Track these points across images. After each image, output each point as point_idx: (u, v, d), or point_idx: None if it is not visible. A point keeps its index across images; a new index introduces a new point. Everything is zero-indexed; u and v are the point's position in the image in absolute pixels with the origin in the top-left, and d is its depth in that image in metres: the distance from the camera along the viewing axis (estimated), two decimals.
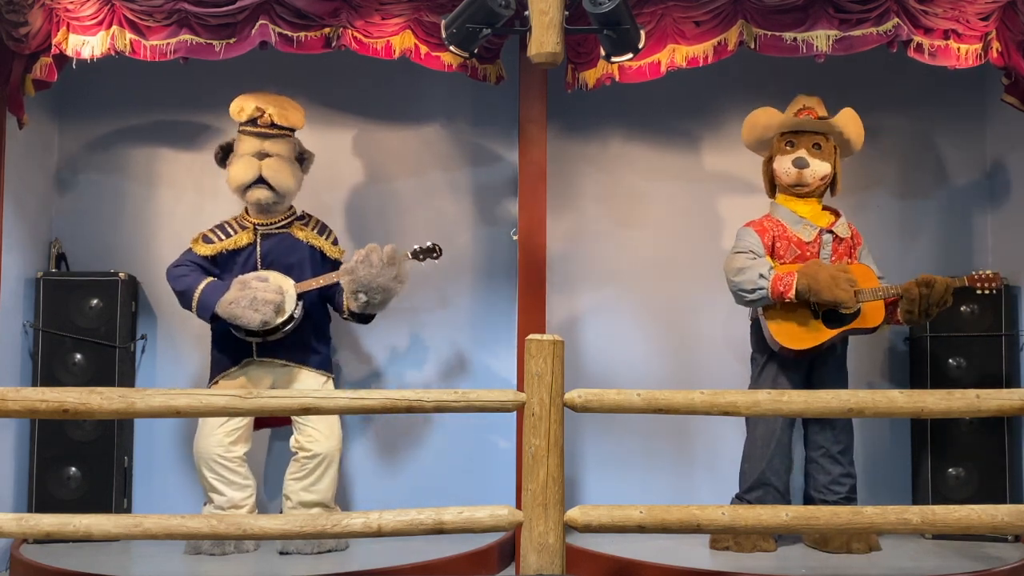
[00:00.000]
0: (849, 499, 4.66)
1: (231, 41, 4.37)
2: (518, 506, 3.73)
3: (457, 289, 5.39)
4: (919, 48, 4.32)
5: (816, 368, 4.68)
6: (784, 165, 4.67)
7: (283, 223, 4.82)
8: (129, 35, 4.39)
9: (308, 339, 4.74)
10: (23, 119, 4.68)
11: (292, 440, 4.74)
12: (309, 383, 4.72)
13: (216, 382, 4.75)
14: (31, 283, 5.04)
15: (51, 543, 4.61)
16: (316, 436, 4.66)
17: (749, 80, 5.28)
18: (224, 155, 4.84)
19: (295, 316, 4.62)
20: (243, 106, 4.73)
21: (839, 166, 4.75)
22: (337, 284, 4.66)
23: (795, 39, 4.29)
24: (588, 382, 4.94)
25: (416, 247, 4.75)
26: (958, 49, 4.36)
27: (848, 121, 4.70)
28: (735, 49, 4.39)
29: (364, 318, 4.77)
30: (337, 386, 4.98)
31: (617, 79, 4.53)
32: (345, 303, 4.68)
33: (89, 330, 4.96)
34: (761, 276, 4.47)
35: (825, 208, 4.76)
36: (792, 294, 4.43)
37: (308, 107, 5.28)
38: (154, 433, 5.25)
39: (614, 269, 5.42)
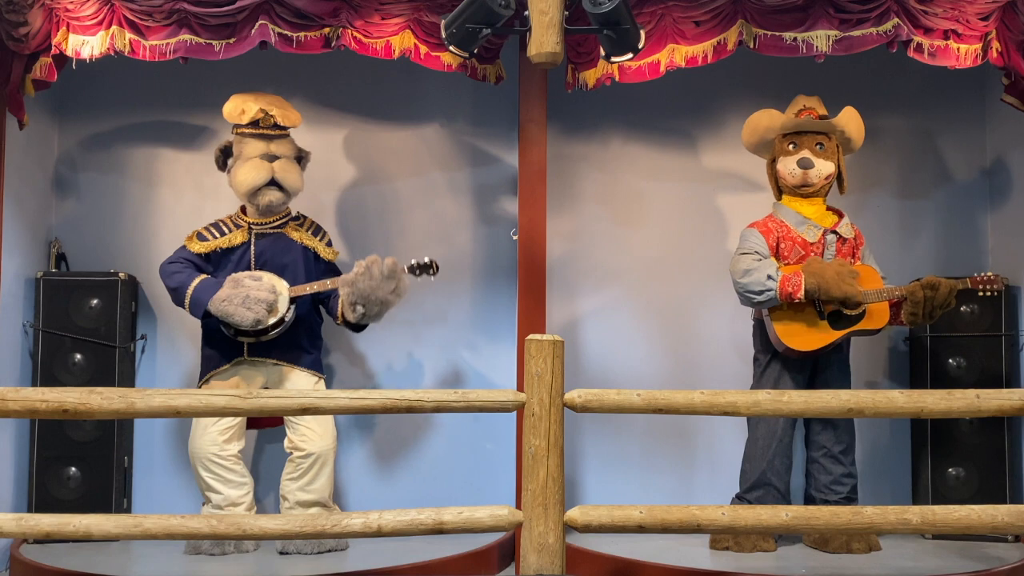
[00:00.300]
0: (850, 499, 4.66)
1: (231, 41, 4.37)
2: (518, 506, 3.74)
3: (457, 289, 5.39)
4: (919, 48, 4.32)
5: (820, 369, 4.68)
6: (789, 166, 4.67)
7: (278, 223, 4.82)
8: (129, 35, 4.39)
9: (300, 340, 4.74)
10: (23, 119, 4.68)
11: (286, 440, 4.74)
12: (300, 383, 4.72)
13: (207, 380, 4.74)
14: (31, 283, 5.05)
15: (51, 543, 4.62)
16: (310, 436, 4.67)
17: (749, 80, 5.28)
18: (225, 158, 4.83)
19: (286, 319, 4.61)
20: (244, 108, 4.71)
21: (843, 164, 4.75)
22: (333, 290, 4.67)
23: (795, 39, 4.29)
24: (588, 382, 4.96)
25: (413, 262, 4.74)
26: (958, 49, 4.36)
27: (850, 119, 4.70)
28: (735, 49, 4.39)
29: (358, 327, 4.78)
30: (330, 387, 4.98)
31: (617, 79, 4.53)
32: (340, 311, 4.69)
33: (89, 330, 4.96)
34: (769, 277, 4.47)
35: (829, 208, 4.76)
36: (801, 294, 4.42)
37: (308, 107, 5.30)
38: (154, 433, 5.25)
39: (614, 269, 5.42)
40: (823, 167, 4.65)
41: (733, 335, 5.21)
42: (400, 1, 4.39)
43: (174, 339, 5.32)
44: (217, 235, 4.80)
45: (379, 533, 3.47)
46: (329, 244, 4.89)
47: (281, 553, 4.58)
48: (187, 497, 5.13)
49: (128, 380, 5.09)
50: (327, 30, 4.39)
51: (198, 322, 4.75)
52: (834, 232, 4.67)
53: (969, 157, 5.40)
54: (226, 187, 4.87)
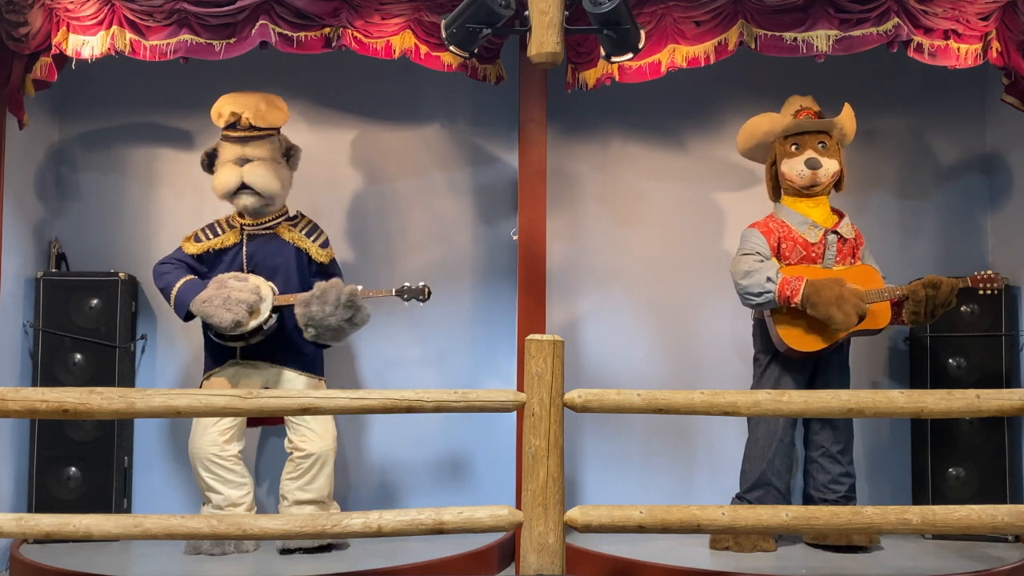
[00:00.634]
0: (848, 498, 4.66)
1: (231, 41, 4.37)
2: (518, 506, 3.74)
3: (457, 289, 5.39)
4: (919, 48, 4.32)
5: (820, 368, 4.68)
6: (796, 167, 4.66)
7: (270, 224, 4.81)
8: (129, 35, 4.39)
9: (292, 341, 4.71)
10: (23, 119, 4.68)
11: (286, 440, 4.74)
12: (297, 385, 4.71)
13: (208, 378, 4.75)
14: (31, 283, 5.05)
15: (51, 543, 4.62)
16: (310, 436, 4.67)
17: (749, 80, 5.28)
18: (211, 162, 4.82)
19: (264, 328, 4.58)
20: (220, 111, 4.71)
21: (843, 161, 4.75)
22: None
23: (795, 39, 4.29)
24: (588, 382, 4.95)
25: (406, 284, 4.69)
26: (958, 49, 4.36)
27: (848, 116, 4.72)
28: (735, 49, 4.39)
29: (319, 344, 4.73)
30: (330, 387, 4.97)
31: (617, 79, 4.53)
32: None
33: (89, 330, 4.96)
34: (769, 280, 4.47)
35: (832, 209, 4.76)
36: (798, 299, 4.42)
37: (308, 107, 5.30)
38: (154, 433, 5.25)
39: (614, 269, 5.42)
40: (829, 165, 4.65)
41: (733, 335, 5.21)
42: (400, 1, 4.39)
43: (174, 339, 5.32)
44: (211, 236, 4.81)
45: (379, 533, 3.47)
46: (325, 245, 4.83)
47: (283, 551, 4.58)
48: (187, 497, 5.14)
49: (128, 380, 5.09)
50: (327, 30, 4.39)
51: (198, 322, 4.74)
52: (835, 232, 4.67)
53: (969, 157, 5.40)
54: None
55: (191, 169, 5.36)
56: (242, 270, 4.72)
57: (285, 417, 4.72)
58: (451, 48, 4.04)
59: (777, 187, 4.80)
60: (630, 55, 4.06)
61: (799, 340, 4.52)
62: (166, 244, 5.17)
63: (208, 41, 4.36)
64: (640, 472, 5.30)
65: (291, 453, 4.71)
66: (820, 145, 4.66)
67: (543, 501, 3.42)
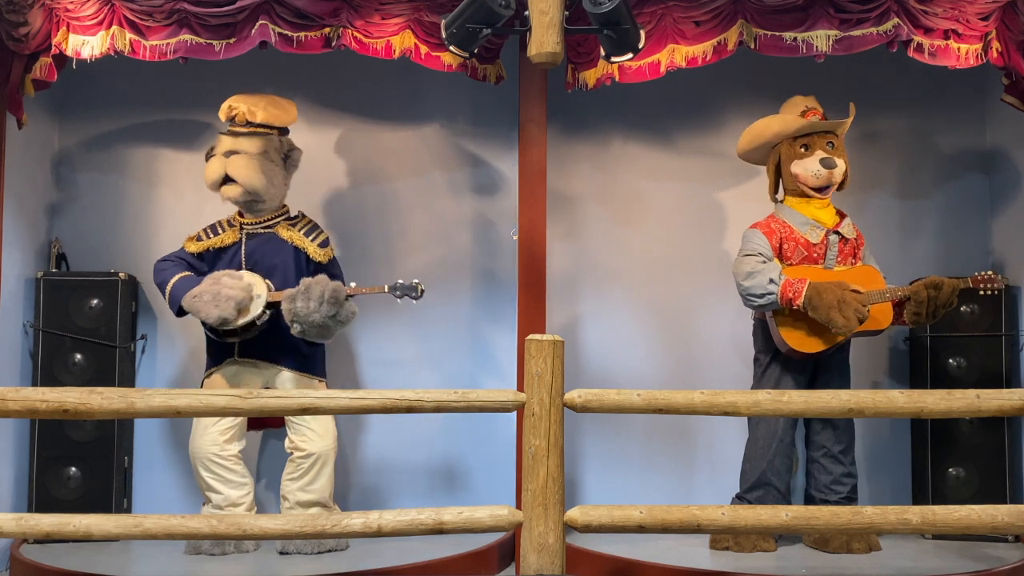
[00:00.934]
0: (850, 499, 4.66)
1: (231, 41, 4.37)
2: (518, 506, 3.74)
3: (457, 289, 5.39)
4: (919, 48, 4.32)
5: (820, 369, 4.68)
6: (811, 167, 4.64)
7: (269, 223, 4.81)
8: (129, 35, 4.39)
9: (290, 340, 4.70)
10: (23, 119, 4.68)
11: (287, 440, 4.74)
12: (295, 385, 4.70)
13: (209, 376, 4.76)
14: (31, 283, 5.05)
15: (51, 543, 4.62)
16: (311, 436, 4.66)
17: (749, 80, 5.28)
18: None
19: (257, 323, 4.59)
20: (223, 107, 4.75)
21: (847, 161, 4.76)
22: None
23: (795, 39, 4.29)
24: (588, 382, 4.95)
25: (399, 281, 4.66)
26: (958, 49, 4.36)
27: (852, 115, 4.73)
28: (735, 49, 4.39)
29: (307, 341, 4.71)
30: (332, 387, 4.97)
31: (617, 79, 4.53)
32: None
33: (89, 330, 4.96)
34: (771, 281, 4.46)
35: (830, 208, 4.75)
36: (801, 301, 4.42)
37: (308, 107, 5.30)
38: (154, 433, 5.25)
39: (614, 269, 5.42)
40: (841, 165, 4.66)
41: (733, 335, 5.21)
42: (400, 1, 4.39)
43: (174, 339, 5.32)
44: (212, 235, 4.83)
45: (379, 533, 3.47)
46: (324, 244, 4.82)
47: (281, 553, 4.58)
48: (187, 497, 5.14)
49: (128, 380, 5.09)
50: (327, 30, 4.39)
51: (198, 322, 4.74)
52: (836, 233, 4.67)
53: (969, 157, 5.40)
54: None
55: (191, 169, 5.36)
56: (241, 268, 4.72)
57: (285, 417, 4.72)
58: (451, 48, 4.04)
59: (778, 187, 4.79)
60: (630, 55, 4.06)
61: (801, 341, 4.52)
62: (166, 244, 5.17)
63: (208, 41, 4.36)
64: (640, 472, 5.30)
65: (291, 453, 4.71)
66: (828, 145, 4.66)
67: (543, 501, 3.42)
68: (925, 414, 3.57)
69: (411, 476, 5.31)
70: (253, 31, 4.31)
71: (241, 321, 4.53)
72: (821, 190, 4.66)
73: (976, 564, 4.35)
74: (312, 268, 4.78)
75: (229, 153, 4.70)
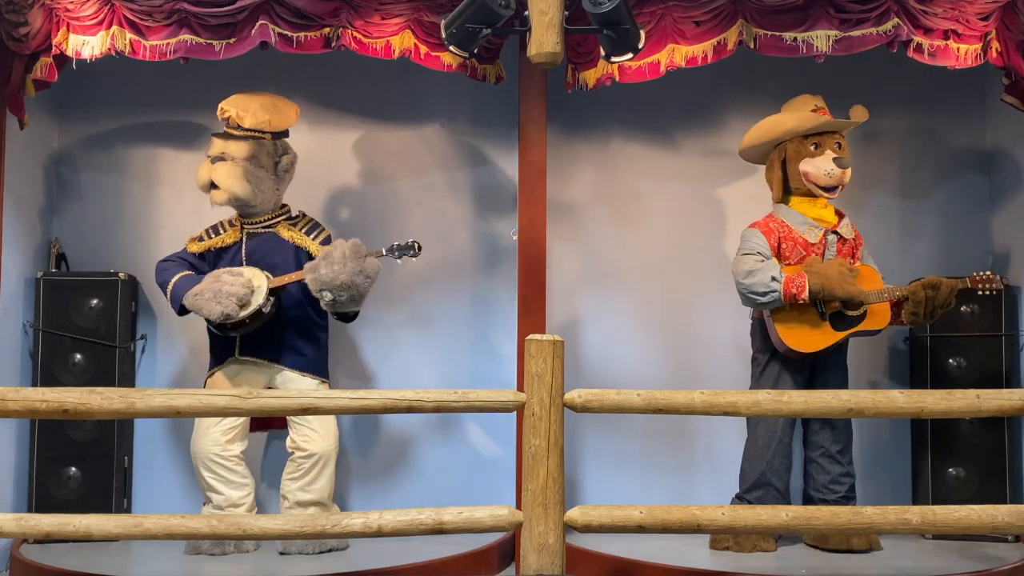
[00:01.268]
0: (848, 498, 4.66)
1: (231, 41, 4.37)
2: (518, 506, 3.74)
3: (457, 289, 5.39)
4: (919, 48, 4.32)
5: (819, 368, 4.68)
6: (824, 166, 4.62)
7: (269, 222, 4.82)
8: (129, 35, 4.39)
9: (291, 340, 4.71)
10: (23, 119, 4.68)
11: (288, 440, 4.74)
12: (297, 385, 4.70)
13: (211, 375, 4.76)
14: (31, 283, 5.05)
15: (51, 543, 4.62)
16: (312, 436, 4.66)
17: (749, 80, 5.28)
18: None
19: (264, 312, 4.59)
20: (219, 107, 4.75)
21: None
22: None
23: (795, 39, 4.29)
24: (588, 382, 4.95)
25: (394, 243, 4.64)
26: (958, 49, 4.36)
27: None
28: (735, 49, 4.39)
29: (345, 316, 4.71)
30: (332, 387, 4.97)
31: (617, 79, 4.53)
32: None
33: (89, 330, 4.96)
34: (773, 279, 4.46)
35: (830, 208, 4.75)
36: (806, 295, 4.42)
37: (308, 107, 5.30)
38: (154, 433, 5.25)
39: (614, 269, 5.42)
40: (850, 165, 4.66)
41: (733, 335, 5.20)
42: (400, 1, 4.39)
43: (174, 339, 5.32)
44: (213, 235, 4.84)
45: (379, 533, 3.47)
46: (326, 242, 4.78)
47: (281, 553, 4.58)
48: (187, 497, 5.13)
49: (128, 380, 5.09)
50: (327, 30, 4.39)
51: (198, 322, 4.75)
52: (835, 232, 4.67)
53: (969, 157, 5.40)
54: None
55: (191, 169, 5.33)
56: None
57: (287, 417, 4.71)
58: (451, 48, 4.04)
59: (786, 187, 4.76)
60: (630, 55, 4.06)
61: (799, 340, 4.52)
62: (166, 244, 5.17)
63: (208, 41, 4.36)
64: (640, 472, 5.30)
65: (292, 452, 4.71)
66: (837, 145, 4.66)
67: (543, 501, 3.42)
68: (925, 414, 3.57)
69: (411, 476, 5.31)
70: (253, 31, 4.31)
71: (245, 312, 4.53)
72: (830, 189, 4.66)
73: (976, 564, 4.35)
74: None
75: (217, 157, 4.71)
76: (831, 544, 4.53)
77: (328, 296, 4.47)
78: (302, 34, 4.36)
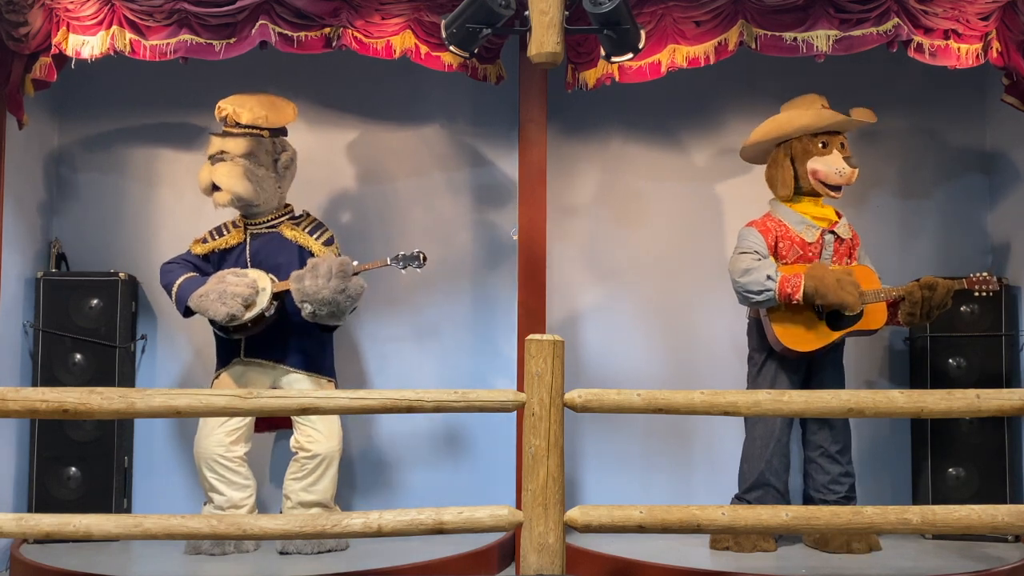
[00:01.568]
0: (848, 498, 4.66)
1: (231, 41, 4.37)
2: (518, 506, 3.74)
3: (457, 289, 5.39)
4: (919, 48, 4.32)
5: (815, 368, 4.68)
6: (836, 165, 4.61)
7: (272, 223, 4.81)
8: (129, 35, 4.39)
9: (296, 340, 4.71)
10: (23, 119, 4.68)
11: (292, 440, 4.74)
12: (302, 386, 4.70)
13: (218, 376, 4.76)
14: (31, 283, 5.05)
15: (51, 543, 4.62)
16: (316, 436, 4.66)
17: (749, 80, 5.28)
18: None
19: (267, 315, 4.58)
20: (216, 107, 4.75)
21: None
22: None
23: (795, 39, 4.29)
24: (588, 382, 4.94)
25: (400, 253, 4.65)
26: (958, 49, 4.36)
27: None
28: (735, 49, 4.39)
29: (325, 327, 4.70)
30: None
31: (617, 79, 4.53)
32: None
33: (89, 330, 4.96)
34: (768, 278, 4.46)
35: (828, 207, 4.75)
36: (800, 296, 4.42)
37: (308, 107, 5.30)
38: (154, 433, 5.25)
39: (614, 269, 5.42)
40: (857, 164, 4.67)
41: (733, 335, 5.20)
42: (400, 1, 4.39)
43: (174, 339, 5.32)
44: (217, 237, 4.84)
45: (379, 533, 3.47)
46: (328, 243, 4.80)
47: (281, 553, 4.58)
48: (187, 497, 5.13)
49: (128, 380, 5.09)
50: (327, 30, 4.39)
51: (199, 322, 4.75)
52: (832, 232, 4.67)
53: (969, 157, 5.40)
54: None
55: (191, 169, 5.35)
56: (245, 268, 4.72)
57: (292, 417, 4.71)
58: (451, 48, 4.04)
59: (795, 184, 4.70)
60: (630, 55, 4.06)
61: (796, 339, 4.52)
62: (166, 244, 5.17)
63: (208, 41, 4.36)
64: (640, 472, 5.30)
65: (296, 453, 4.71)
66: (840, 144, 4.66)
67: (543, 501, 3.41)
68: (925, 414, 3.57)
69: (411, 476, 5.31)
70: (253, 31, 4.31)
71: (249, 315, 4.53)
72: (837, 188, 4.65)
73: (976, 564, 4.35)
74: None
75: (216, 156, 4.70)
76: (831, 547, 4.52)
77: (308, 308, 4.49)
78: (302, 34, 4.36)
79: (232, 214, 4.91)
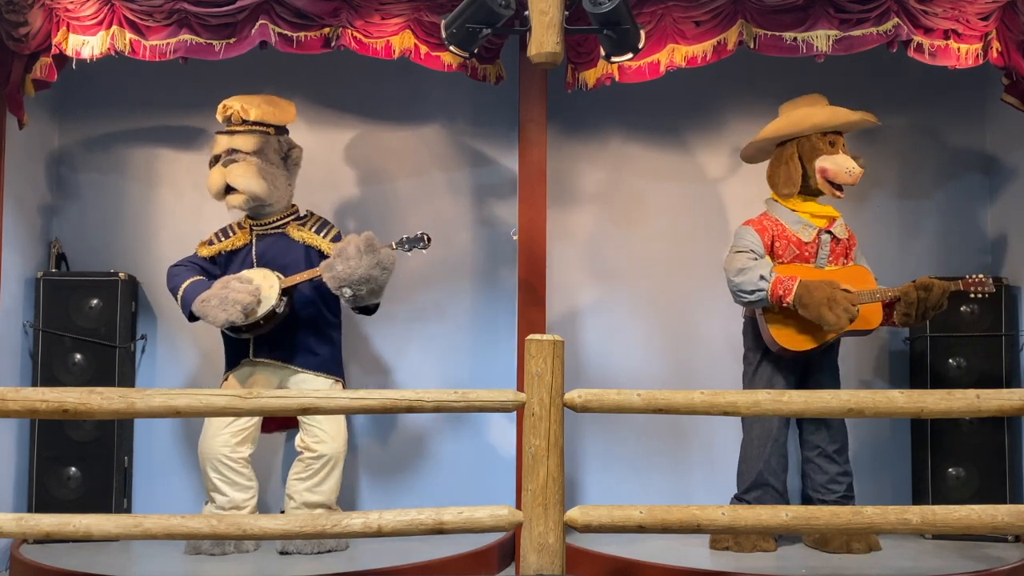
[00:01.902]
0: (847, 498, 4.66)
1: (231, 41, 4.37)
2: (518, 506, 3.74)
3: (457, 289, 5.39)
4: (919, 48, 4.32)
5: (811, 368, 4.68)
6: (846, 164, 4.59)
7: (278, 223, 4.81)
8: (129, 35, 4.39)
9: (303, 340, 4.71)
10: (23, 119, 4.68)
11: (298, 440, 4.73)
12: (311, 385, 4.69)
13: (226, 378, 4.77)
14: (31, 283, 5.05)
15: (51, 543, 4.62)
16: (322, 437, 4.66)
17: (749, 80, 5.28)
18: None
19: (277, 312, 4.58)
20: (219, 107, 4.74)
21: None
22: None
23: (795, 39, 4.29)
24: (588, 382, 4.95)
25: (403, 236, 4.63)
26: (958, 49, 4.36)
27: None
28: (735, 49, 4.39)
29: (366, 310, 4.71)
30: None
31: (617, 79, 4.53)
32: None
33: (89, 330, 4.96)
34: (762, 278, 4.46)
35: (829, 206, 4.75)
36: (791, 299, 4.42)
37: (308, 107, 5.30)
38: (154, 433, 5.25)
39: (614, 269, 5.42)
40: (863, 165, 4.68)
41: (733, 335, 5.19)
42: (400, 1, 4.39)
43: (174, 339, 5.32)
44: (223, 239, 4.83)
45: (379, 533, 3.47)
46: (337, 239, 4.77)
47: (281, 553, 4.58)
48: (187, 497, 5.14)
49: (128, 380, 5.09)
50: (327, 30, 4.39)
51: (200, 324, 4.74)
52: (828, 232, 4.67)
53: (969, 157, 5.40)
54: None
55: (191, 169, 5.36)
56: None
57: (300, 418, 4.71)
58: (451, 48, 4.04)
59: (803, 182, 4.67)
60: (630, 55, 4.06)
61: (791, 339, 4.52)
62: (166, 244, 5.18)
63: (208, 41, 4.36)
64: (640, 472, 5.30)
65: (301, 452, 4.70)
66: (843, 145, 4.66)
67: (543, 501, 3.41)
68: (925, 414, 3.57)
69: (411, 476, 5.31)
70: (253, 31, 4.31)
71: (248, 322, 4.52)
72: (841, 188, 4.65)
73: (976, 564, 4.35)
74: None
75: (227, 156, 4.67)
76: (831, 547, 4.52)
77: (348, 292, 4.46)
78: (302, 34, 4.36)
79: (238, 215, 4.90)
